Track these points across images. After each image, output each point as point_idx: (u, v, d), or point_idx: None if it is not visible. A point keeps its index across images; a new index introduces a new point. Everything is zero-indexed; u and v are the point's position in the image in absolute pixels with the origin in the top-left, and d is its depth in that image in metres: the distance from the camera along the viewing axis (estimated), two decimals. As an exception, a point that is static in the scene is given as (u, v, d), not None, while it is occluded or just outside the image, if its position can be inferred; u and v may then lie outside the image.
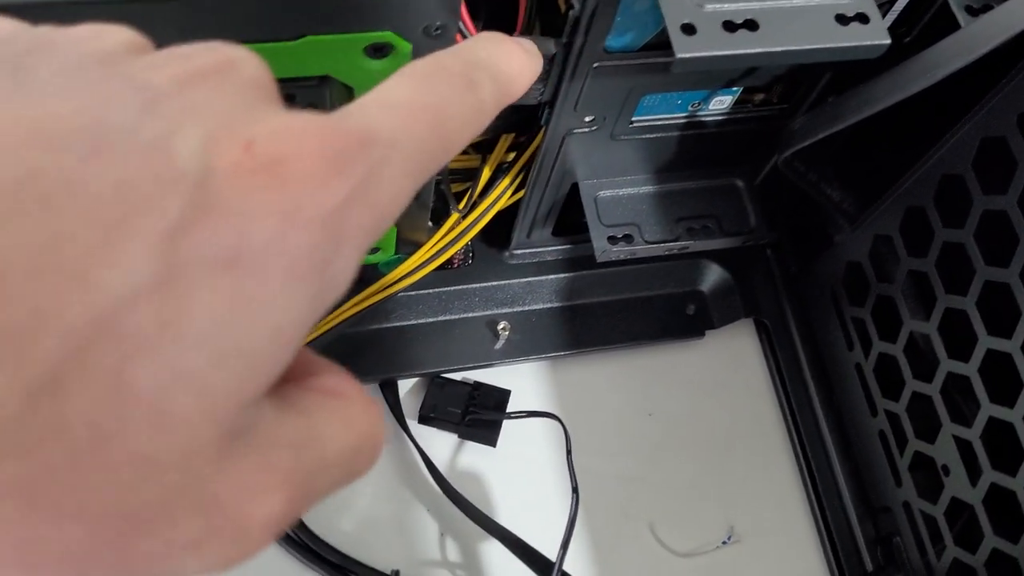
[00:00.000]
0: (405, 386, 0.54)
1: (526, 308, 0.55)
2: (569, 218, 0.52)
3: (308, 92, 0.35)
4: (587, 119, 0.42)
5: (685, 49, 0.31)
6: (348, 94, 0.36)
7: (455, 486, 0.50)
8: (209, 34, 0.30)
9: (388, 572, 0.48)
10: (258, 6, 0.30)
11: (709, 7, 0.32)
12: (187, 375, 0.13)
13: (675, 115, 0.44)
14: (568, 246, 0.54)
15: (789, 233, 0.56)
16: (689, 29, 0.32)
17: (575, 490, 0.47)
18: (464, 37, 0.37)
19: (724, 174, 0.50)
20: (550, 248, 0.54)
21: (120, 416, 0.13)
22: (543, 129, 0.43)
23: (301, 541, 0.49)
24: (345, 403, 0.18)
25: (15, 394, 0.12)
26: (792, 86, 0.44)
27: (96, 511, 0.13)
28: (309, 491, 0.17)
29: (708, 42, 0.32)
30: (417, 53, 0.34)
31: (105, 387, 0.12)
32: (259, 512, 0.15)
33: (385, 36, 0.32)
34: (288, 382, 0.18)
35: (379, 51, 0.33)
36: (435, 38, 0.33)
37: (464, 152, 0.49)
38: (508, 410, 0.53)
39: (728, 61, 0.32)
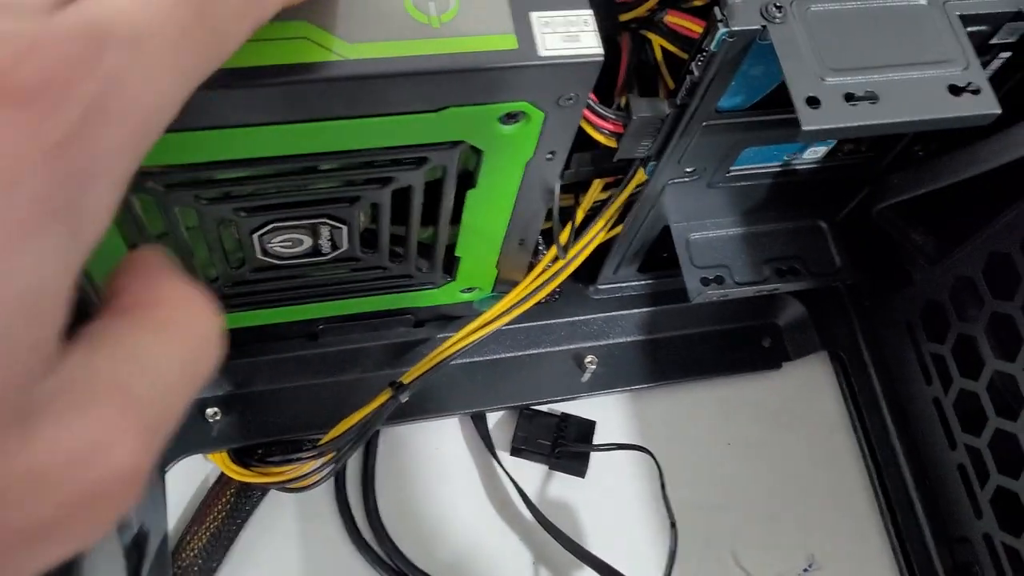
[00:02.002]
0: (493, 418, 0.56)
1: (610, 341, 0.57)
2: (652, 254, 0.54)
3: (440, 155, 0.36)
4: (688, 170, 0.44)
5: (811, 122, 0.33)
6: (476, 155, 0.37)
7: (546, 515, 0.52)
8: (363, 109, 0.32)
9: (487, 600, 0.50)
10: (412, 88, 0.31)
11: (831, 80, 0.34)
12: None
13: (771, 164, 0.46)
14: (650, 281, 0.56)
15: (865, 269, 0.57)
16: (814, 102, 0.33)
17: (673, 525, 0.49)
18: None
19: (809, 215, 0.51)
20: (633, 283, 0.56)
21: None
22: (647, 179, 0.44)
23: (399, 570, 0.51)
24: (162, 313, 0.16)
25: None
26: (882, 136, 0.45)
27: None
28: (157, 422, 0.15)
29: (832, 115, 0.33)
30: (547, 120, 0.36)
31: None
32: (108, 469, 0.14)
33: (521, 106, 0.34)
34: (94, 317, 0.16)
35: (512, 118, 0.35)
36: (565, 108, 0.35)
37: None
38: (594, 441, 0.55)
39: (851, 132, 0.33)
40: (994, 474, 0.49)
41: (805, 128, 0.33)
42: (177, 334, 0.17)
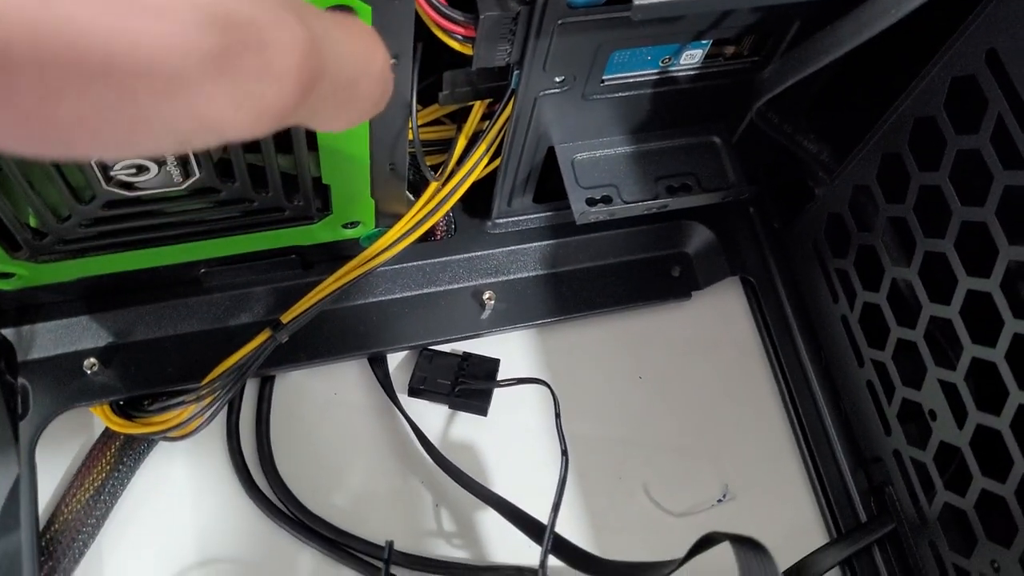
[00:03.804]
0: (394, 360, 0.54)
1: (511, 277, 0.55)
2: (549, 184, 0.52)
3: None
4: (557, 79, 0.42)
5: (642, -4, 0.31)
6: (312, 62, 0.35)
7: (448, 457, 0.50)
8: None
9: (382, 544, 0.48)
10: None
11: (666, -46, 0.32)
12: None
13: (646, 71, 0.44)
14: (550, 213, 0.54)
15: (771, 189, 0.56)
16: (646, -24, 0.32)
17: (564, 453, 0.47)
18: (429, 2, 0.37)
19: (701, 131, 0.50)
20: (532, 216, 0.54)
21: None
22: (514, 92, 0.42)
23: (295, 518, 0.49)
24: (343, 18, 0.22)
25: None
26: (762, 37, 0.43)
27: None
28: (320, 58, 0.20)
29: (665, -12, 0.31)
30: (376, 15, 0.34)
31: None
32: (285, 41, 0.19)
33: (344, -1, 0.32)
34: None
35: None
36: (395, 0, 0.33)
37: (439, 122, 0.49)
38: (498, 378, 0.53)
39: (686, 7, 0.32)
40: (899, 387, 0.47)
41: (636, 2, 0.31)
42: (354, 39, 0.23)
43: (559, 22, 0.38)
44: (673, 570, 0.41)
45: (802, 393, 0.54)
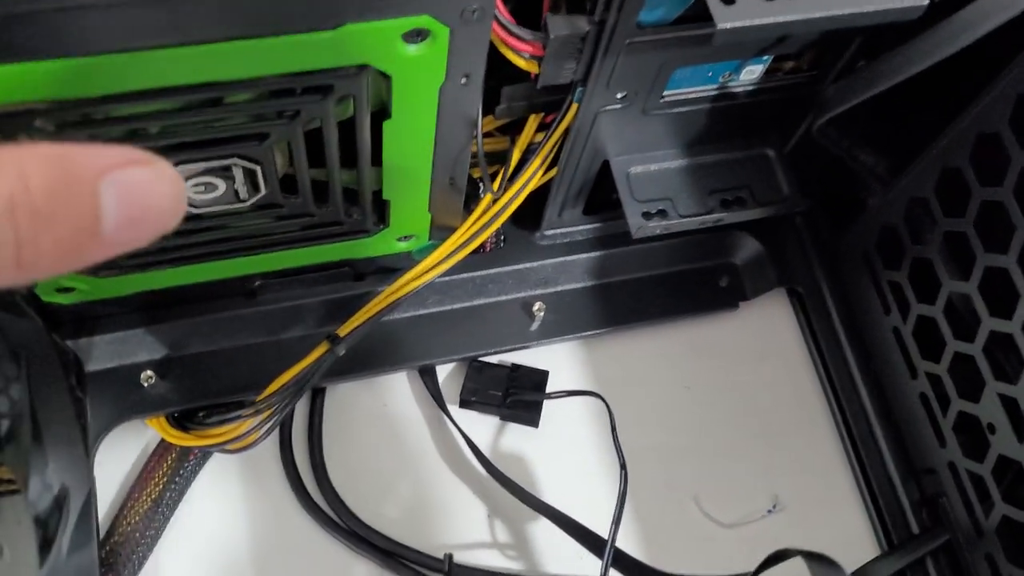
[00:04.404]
0: (443, 371, 0.54)
1: (559, 288, 0.55)
2: (598, 196, 0.52)
3: (346, 82, 0.35)
4: (619, 96, 0.42)
5: (726, 19, 0.31)
6: (385, 81, 0.36)
7: (500, 468, 0.50)
8: (251, 27, 0.31)
9: (440, 556, 0.48)
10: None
11: (746, -24, 0.32)
12: None
13: (706, 87, 0.44)
14: (598, 224, 0.54)
15: (820, 199, 0.56)
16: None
17: (623, 467, 0.47)
18: (498, 22, 0.37)
19: (754, 144, 0.50)
20: (580, 227, 0.54)
21: None
22: (576, 107, 0.43)
23: (349, 528, 0.49)
24: None
25: None
26: (822, 52, 0.44)
27: None
28: None
29: (747, 11, 0.32)
30: (454, 37, 0.34)
31: None
32: None
33: (423, 21, 0.33)
34: None
35: (417, 36, 0.33)
36: (471, 23, 0.33)
37: (489, 134, 0.49)
38: (547, 390, 0.53)
39: (768, 30, 0.32)
40: (955, 400, 0.47)
41: (720, 26, 0.31)
42: None
43: (627, 42, 0.38)
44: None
45: (851, 403, 0.54)
